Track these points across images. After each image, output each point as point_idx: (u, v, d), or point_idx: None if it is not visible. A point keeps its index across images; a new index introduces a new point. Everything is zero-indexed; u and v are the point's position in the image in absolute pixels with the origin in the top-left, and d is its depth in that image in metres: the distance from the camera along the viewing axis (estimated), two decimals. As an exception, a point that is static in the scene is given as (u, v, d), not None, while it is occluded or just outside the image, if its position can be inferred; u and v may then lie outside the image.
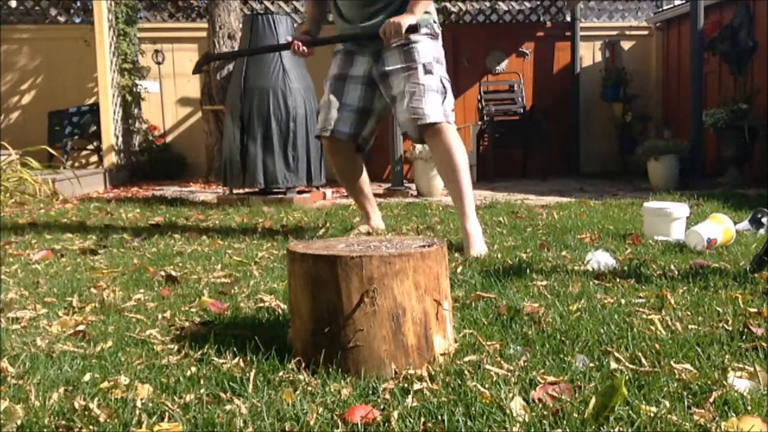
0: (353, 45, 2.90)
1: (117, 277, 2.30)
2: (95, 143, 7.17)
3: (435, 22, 2.84)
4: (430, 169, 5.54)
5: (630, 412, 1.11)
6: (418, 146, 5.84)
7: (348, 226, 3.35)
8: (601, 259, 2.30)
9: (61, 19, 7.64)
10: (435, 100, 2.71)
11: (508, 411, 1.12)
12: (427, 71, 2.74)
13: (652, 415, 1.10)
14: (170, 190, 6.05)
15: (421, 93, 2.70)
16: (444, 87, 2.76)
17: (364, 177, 3.11)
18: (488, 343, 1.48)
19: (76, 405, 1.19)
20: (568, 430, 1.07)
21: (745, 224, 3.07)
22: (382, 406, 1.18)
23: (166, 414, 1.16)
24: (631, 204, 4.22)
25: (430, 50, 2.77)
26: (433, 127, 2.70)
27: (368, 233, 3.01)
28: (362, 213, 3.23)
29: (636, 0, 8.18)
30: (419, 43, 2.75)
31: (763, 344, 1.44)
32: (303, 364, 1.36)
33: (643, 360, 1.36)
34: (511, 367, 1.33)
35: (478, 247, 2.61)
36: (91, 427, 1.12)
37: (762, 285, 1.96)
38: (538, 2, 8.05)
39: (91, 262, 2.58)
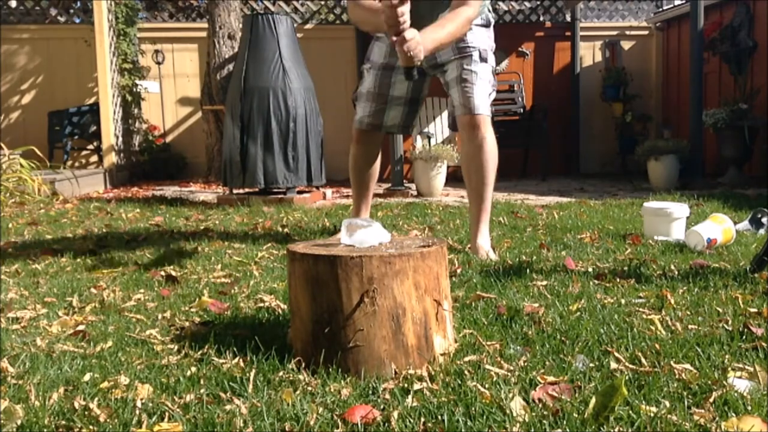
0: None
1: (117, 277, 2.30)
2: (95, 143, 7.18)
3: (489, 11, 2.74)
4: (430, 169, 5.55)
5: (630, 412, 1.11)
6: (418, 146, 5.84)
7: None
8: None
9: (61, 19, 7.65)
10: (485, 91, 2.62)
11: (508, 411, 1.12)
12: (483, 58, 2.65)
13: (652, 415, 1.10)
14: (170, 190, 6.05)
15: (473, 81, 2.61)
16: (494, 79, 2.69)
17: (376, 174, 3.02)
18: (488, 343, 1.48)
19: (76, 405, 1.19)
20: (568, 430, 1.07)
21: (745, 224, 3.07)
22: (382, 406, 1.18)
23: (166, 414, 1.16)
24: (631, 204, 4.22)
25: (483, 38, 2.66)
26: (475, 117, 2.58)
27: None
28: (353, 211, 3.12)
29: (636, 0, 8.18)
30: (471, 31, 2.61)
31: (763, 344, 1.44)
32: (303, 364, 1.36)
33: (643, 360, 1.36)
34: (511, 367, 1.33)
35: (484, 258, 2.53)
36: (91, 427, 1.12)
37: (762, 285, 1.96)
38: (538, 2, 8.05)
39: (91, 262, 2.58)
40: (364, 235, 1.46)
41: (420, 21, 2.55)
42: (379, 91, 2.79)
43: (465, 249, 2.66)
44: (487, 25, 2.74)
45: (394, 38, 2.26)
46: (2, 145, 5.18)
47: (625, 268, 2.23)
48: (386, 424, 1.11)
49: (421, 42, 2.28)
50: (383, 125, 2.83)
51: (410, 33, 2.25)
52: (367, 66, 2.85)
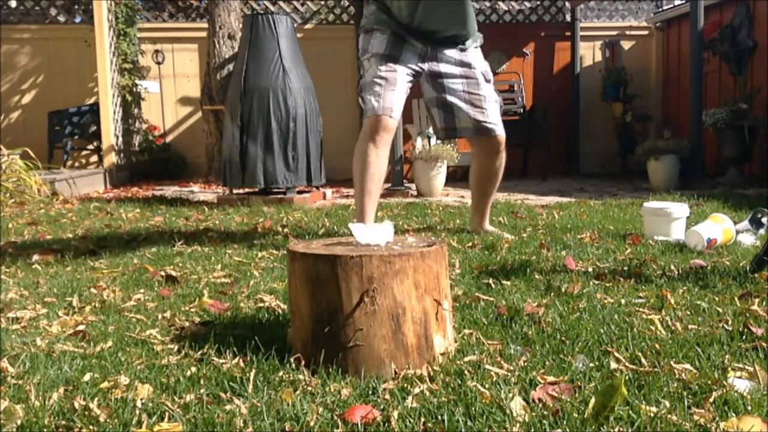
0: (410, 35, 2.79)
1: (117, 277, 2.30)
2: (95, 143, 7.18)
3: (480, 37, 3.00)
4: (430, 169, 5.54)
5: (630, 412, 1.11)
6: (418, 146, 5.84)
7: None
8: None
9: (61, 19, 7.64)
10: (497, 110, 2.92)
11: (508, 411, 1.12)
12: (487, 80, 2.90)
13: (652, 415, 1.10)
14: (170, 190, 6.05)
15: (484, 105, 2.86)
16: (497, 96, 3.02)
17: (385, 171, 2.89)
18: (488, 342, 1.48)
19: (76, 405, 1.19)
20: (568, 430, 1.07)
21: (745, 224, 3.06)
22: (382, 406, 1.18)
23: (166, 414, 1.16)
24: (631, 204, 4.22)
25: (481, 58, 2.92)
26: (497, 139, 2.90)
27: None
28: (359, 217, 2.79)
29: (636, 0, 8.18)
30: (467, 54, 2.86)
31: (763, 344, 1.44)
32: (303, 364, 1.36)
33: (643, 360, 1.36)
34: (511, 367, 1.33)
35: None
36: (91, 427, 1.12)
37: (762, 285, 1.96)
38: (538, 2, 8.05)
39: (91, 262, 2.58)
40: (375, 231, 1.47)
41: (443, 19, 2.76)
42: (392, 79, 2.80)
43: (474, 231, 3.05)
44: (481, 47, 2.98)
45: None
46: (1, 146, 5.18)
47: (625, 268, 2.23)
48: (386, 424, 1.11)
49: None
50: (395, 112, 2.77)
51: None
52: (368, 56, 2.82)
